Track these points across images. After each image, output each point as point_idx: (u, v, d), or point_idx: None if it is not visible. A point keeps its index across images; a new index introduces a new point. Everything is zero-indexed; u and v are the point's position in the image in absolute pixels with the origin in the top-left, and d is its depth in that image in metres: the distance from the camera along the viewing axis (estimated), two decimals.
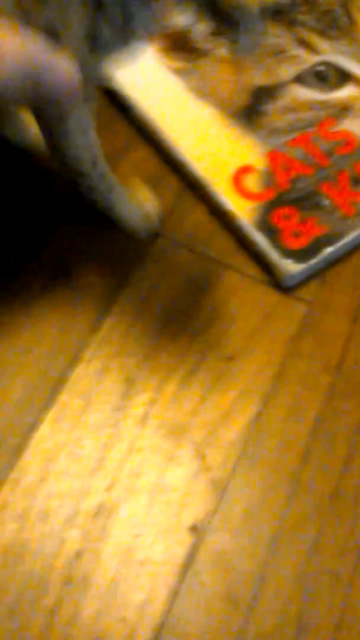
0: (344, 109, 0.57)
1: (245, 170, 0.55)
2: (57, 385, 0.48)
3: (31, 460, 0.46)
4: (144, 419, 0.47)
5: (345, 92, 0.58)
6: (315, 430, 0.48)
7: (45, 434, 0.46)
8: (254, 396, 0.49)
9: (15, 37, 0.32)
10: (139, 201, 0.52)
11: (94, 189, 0.48)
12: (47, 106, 0.38)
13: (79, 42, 0.37)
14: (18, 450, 0.46)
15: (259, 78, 0.57)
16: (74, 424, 0.47)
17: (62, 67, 0.34)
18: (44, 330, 0.49)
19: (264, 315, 0.52)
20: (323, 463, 0.47)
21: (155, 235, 0.54)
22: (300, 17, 0.60)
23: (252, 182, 0.54)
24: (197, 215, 0.55)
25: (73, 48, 0.37)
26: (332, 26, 0.60)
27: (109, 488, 0.45)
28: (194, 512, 0.45)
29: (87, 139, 0.44)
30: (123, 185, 0.51)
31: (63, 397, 0.48)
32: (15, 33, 0.33)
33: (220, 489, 0.45)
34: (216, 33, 0.59)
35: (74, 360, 0.49)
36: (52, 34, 0.36)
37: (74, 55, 0.36)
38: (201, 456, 0.46)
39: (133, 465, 0.46)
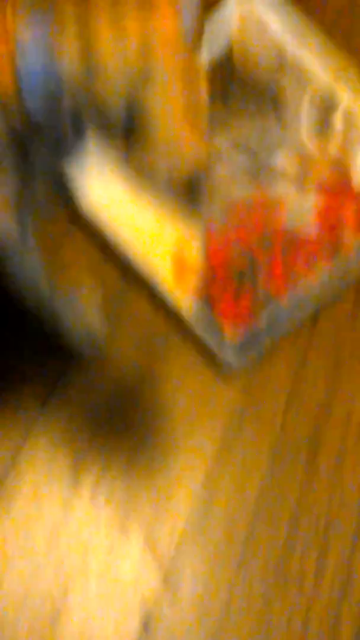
0: (274, 195, 0.61)
1: (183, 256, 0.58)
2: (6, 465, 0.49)
3: None
4: (92, 495, 0.49)
5: (275, 181, 0.62)
6: (257, 509, 0.50)
7: None
8: (198, 476, 0.51)
9: None
10: (84, 320, 0.53)
11: (39, 307, 0.49)
12: None
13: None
14: None
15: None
16: (24, 504, 0.48)
17: None
18: None
19: (205, 398, 0.54)
20: (266, 542, 0.49)
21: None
22: (233, 120, 0.65)
23: (190, 268, 0.57)
24: (139, 304, 0.57)
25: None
26: (262, 120, 0.65)
27: (56, 572, 0.46)
28: (143, 600, 0.46)
29: (26, 261, 0.45)
30: (72, 295, 0.52)
31: (12, 478, 0.49)
32: None
33: (167, 565, 0.47)
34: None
35: (20, 448, 0.50)
36: None
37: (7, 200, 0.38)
38: (149, 529, 0.48)
39: (82, 541, 0.47)
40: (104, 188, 0.57)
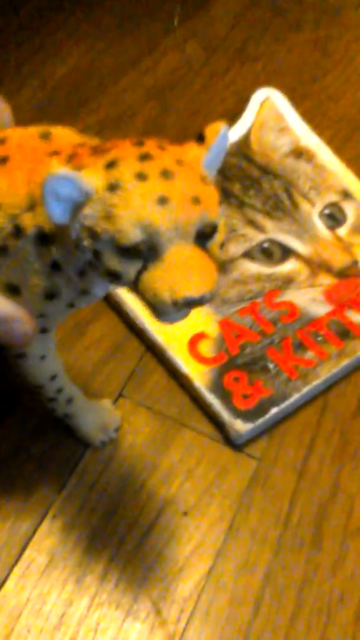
0: (287, 281, 0.64)
1: (199, 337, 0.61)
2: (23, 543, 0.51)
3: None
4: (105, 575, 0.51)
5: (288, 266, 0.65)
6: (264, 584, 0.51)
7: (11, 592, 0.49)
8: (207, 550, 0.52)
9: None
10: (98, 413, 0.55)
11: (53, 399, 0.51)
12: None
13: (37, 298, 0.41)
14: None
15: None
16: (39, 581, 0.50)
17: (17, 322, 0.40)
18: (12, 491, 0.53)
19: (217, 471, 0.56)
20: (272, 616, 0.50)
21: (118, 396, 0.59)
22: (249, 200, 0.69)
23: (205, 348, 0.60)
24: (157, 377, 0.61)
25: (32, 301, 0.41)
26: (276, 208, 0.69)
27: None
28: None
29: (44, 362, 0.47)
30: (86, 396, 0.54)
31: (29, 555, 0.51)
32: None
33: None
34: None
35: (40, 519, 0.53)
36: (14, 289, 0.41)
37: (33, 306, 0.41)
38: (157, 611, 0.50)
39: (93, 620, 0.49)
40: None
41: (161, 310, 0.36)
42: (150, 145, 0.37)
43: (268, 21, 0.87)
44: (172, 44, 0.85)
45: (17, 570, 0.50)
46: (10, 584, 0.50)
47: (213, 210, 0.36)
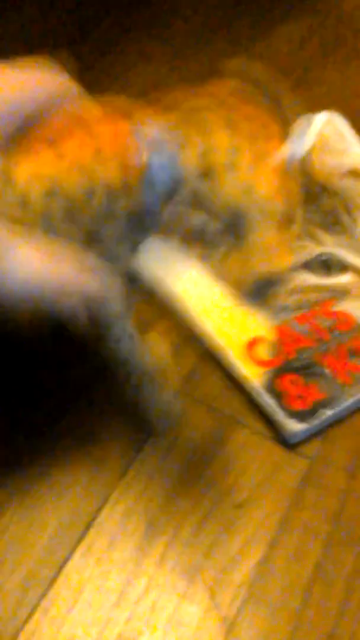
0: (343, 292, 0.67)
1: (257, 340, 0.64)
2: (87, 524, 0.54)
3: (61, 591, 0.51)
4: (162, 559, 0.53)
5: (344, 279, 0.68)
6: (315, 575, 0.53)
7: (75, 568, 0.52)
8: (260, 541, 0.55)
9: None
10: (163, 398, 0.58)
11: (127, 381, 0.54)
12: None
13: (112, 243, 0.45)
14: (50, 582, 0.52)
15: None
16: (100, 560, 0.53)
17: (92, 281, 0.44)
18: (78, 475, 0.57)
19: (270, 468, 0.59)
20: (322, 605, 0.52)
21: (178, 393, 0.62)
22: (309, 215, 0.72)
23: (262, 351, 0.63)
24: (215, 377, 0.63)
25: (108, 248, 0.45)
26: (336, 223, 0.71)
27: (128, 620, 0.50)
28: None
29: (127, 337, 0.52)
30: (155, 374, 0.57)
31: (92, 535, 0.54)
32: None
33: (228, 626, 0.50)
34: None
35: (102, 502, 0.56)
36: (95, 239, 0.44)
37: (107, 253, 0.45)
38: (212, 595, 0.52)
39: (149, 600, 0.52)
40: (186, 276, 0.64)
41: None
42: (241, 136, 0.40)
43: (330, 49, 0.90)
44: (233, 66, 0.89)
45: (79, 550, 0.53)
46: (74, 561, 0.53)
47: (293, 201, 0.40)
